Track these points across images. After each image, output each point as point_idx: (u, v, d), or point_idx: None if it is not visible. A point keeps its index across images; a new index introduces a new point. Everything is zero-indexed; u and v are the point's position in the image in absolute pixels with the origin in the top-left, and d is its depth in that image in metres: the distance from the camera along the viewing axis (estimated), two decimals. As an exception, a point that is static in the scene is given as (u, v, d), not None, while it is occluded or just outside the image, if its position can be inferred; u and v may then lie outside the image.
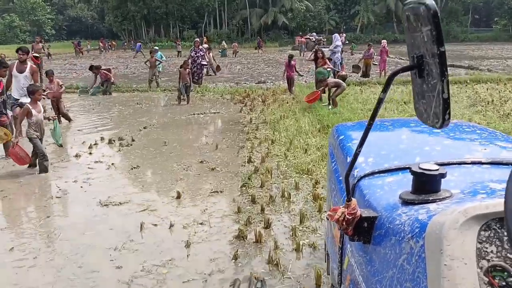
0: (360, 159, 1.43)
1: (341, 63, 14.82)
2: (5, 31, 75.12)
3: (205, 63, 15.34)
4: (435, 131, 1.73)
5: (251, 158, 6.29)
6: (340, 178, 1.70)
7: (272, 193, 4.96)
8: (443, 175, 1.09)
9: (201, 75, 14.97)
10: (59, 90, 9.04)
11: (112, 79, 13.76)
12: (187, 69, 11.68)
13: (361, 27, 58.01)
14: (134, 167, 6.09)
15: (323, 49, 14.77)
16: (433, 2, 0.89)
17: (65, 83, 16.66)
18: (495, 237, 0.81)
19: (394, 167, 1.42)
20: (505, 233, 0.80)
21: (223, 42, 37.62)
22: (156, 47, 35.99)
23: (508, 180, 0.63)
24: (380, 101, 1.05)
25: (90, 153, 6.88)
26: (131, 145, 7.37)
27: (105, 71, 13.72)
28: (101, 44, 49.75)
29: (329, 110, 9.43)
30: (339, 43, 15.03)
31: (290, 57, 13.46)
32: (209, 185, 5.32)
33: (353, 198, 1.22)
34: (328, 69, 10.77)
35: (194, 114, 10.09)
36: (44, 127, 6.14)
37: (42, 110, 6.08)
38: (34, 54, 16.58)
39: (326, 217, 1.46)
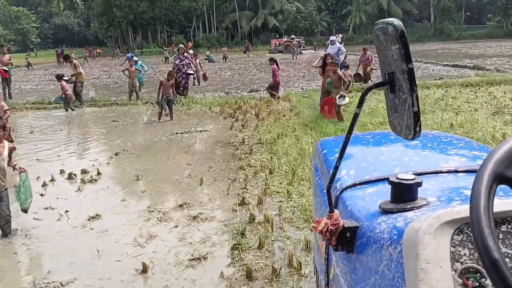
0: (342, 172, 1.54)
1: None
2: (-12, 41, 73.22)
3: (191, 72, 13.94)
4: (414, 142, 1.78)
5: (245, 198, 4.89)
6: (324, 191, 1.61)
7: (275, 261, 3.57)
8: (419, 184, 1.12)
9: (187, 85, 13.55)
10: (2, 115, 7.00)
11: (68, 92, 12.10)
12: (171, 81, 10.22)
13: (353, 27, 56.92)
14: (92, 217, 4.66)
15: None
16: (400, 23, 0.92)
17: (41, 96, 15.52)
18: (468, 240, 0.84)
19: (374, 178, 1.45)
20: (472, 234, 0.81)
21: (207, 51, 36.54)
22: (133, 55, 34.83)
23: (473, 182, 0.65)
24: (355, 116, 1.08)
25: (42, 194, 5.45)
26: (96, 180, 5.94)
27: (65, 83, 12.20)
28: (86, 52, 48.29)
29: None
30: (341, 45, 13.72)
31: (274, 60, 12.41)
32: (189, 248, 3.91)
33: (335, 210, 1.25)
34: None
35: (177, 133, 8.67)
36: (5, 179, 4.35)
37: (5, 153, 4.33)
38: (3, 68, 15.15)
39: (310, 229, 1.52)
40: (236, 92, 14.53)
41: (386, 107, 1.05)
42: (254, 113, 10.32)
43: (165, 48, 42.59)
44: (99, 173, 6.16)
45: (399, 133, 1.00)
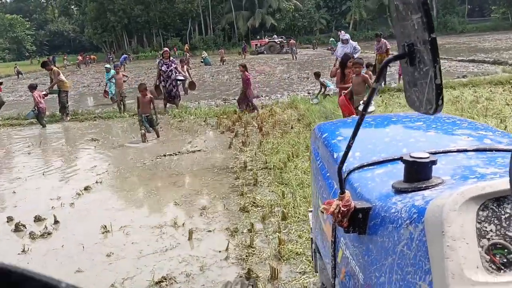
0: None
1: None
2: (-18, 50, 71.78)
3: (181, 78, 12.46)
4: (417, 124, 1.84)
5: (251, 268, 3.36)
6: (328, 174, 1.69)
7: None
8: (434, 162, 1.10)
9: (178, 93, 12.04)
10: None
11: (41, 105, 10.56)
12: (147, 96, 8.41)
13: (353, 24, 55.37)
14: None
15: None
16: None
17: (22, 110, 14.01)
18: (493, 216, 0.83)
19: (383, 159, 1.42)
20: (505, 211, 0.82)
21: (204, 52, 34.89)
22: (126, 57, 33.25)
23: (510, 161, 0.62)
24: (373, 91, 1.06)
25: (-29, 261, 3.93)
26: (50, 234, 4.42)
27: (38, 95, 10.65)
28: (80, 58, 46.89)
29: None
30: (355, 43, 12.16)
31: (245, 67, 10.68)
32: None
33: (346, 191, 1.22)
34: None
35: (165, 155, 7.15)
36: None
37: None
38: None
39: (321, 210, 1.29)
40: (234, 99, 13.00)
41: (403, 81, 1.02)
42: (256, 125, 8.80)
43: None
44: (56, 222, 4.64)
45: (418, 108, 0.97)
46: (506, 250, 0.80)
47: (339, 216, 1.18)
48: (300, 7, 53.88)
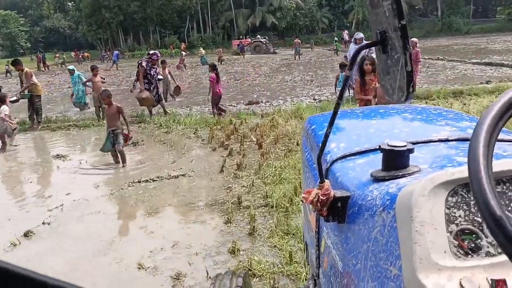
0: (332, 144, 1.55)
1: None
2: (-25, 46, 70.17)
3: (160, 77, 11.18)
4: (404, 115, 1.85)
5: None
6: (314, 165, 1.66)
7: None
8: (411, 151, 1.10)
9: (162, 95, 10.86)
10: None
11: (9, 123, 8.59)
12: (113, 105, 6.62)
13: (356, 24, 53.90)
14: None
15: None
16: None
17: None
18: (462, 202, 0.84)
19: (365, 149, 1.43)
20: (472, 197, 0.82)
21: (201, 48, 33.30)
22: (118, 54, 31.62)
23: (469, 146, 0.61)
24: (346, 79, 1.07)
25: None
26: None
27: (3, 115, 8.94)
28: (73, 55, 45.49)
29: None
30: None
31: (214, 67, 10.10)
32: None
33: (326, 180, 1.23)
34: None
35: (140, 181, 5.73)
36: None
37: None
38: None
39: (301, 200, 1.29)
40: (231, 105, 11.58)
41: (378, 69, 1.03)
42: (254, 139, 7.38)
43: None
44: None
45: (391, 96, 0.99)
46: (474, 236, 0.80)
47: (318, 205, 1.19)
48: (302, 5, 52.41)
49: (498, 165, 0.83)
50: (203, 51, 31.57)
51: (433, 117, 1.82)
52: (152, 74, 10.25)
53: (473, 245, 0.80)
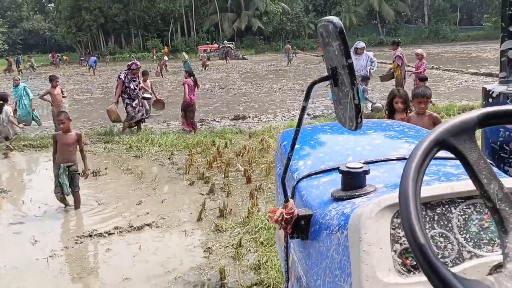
0: (300, 162, 1.61)
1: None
2: None
3: (148, 95, 9.82)
4: (368, 131, 1.92)
5: None
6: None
7: None
8: (366, 172, 1.18)
9: (143, 112, 9.38)
10: None
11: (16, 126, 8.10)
12: (71, 132, 5.06)
13: (343, 29, 53.11)
14: None
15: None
16: (339, 21, 0.98)
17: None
18: None
19: (328, 167, 1.49)
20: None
21: (184, 53, 31.76)
22: (96, 59, 29.77)
23: (403, 168, 0.67)
24: (303, 109, 1.14)
25: None
26: None
27: None
28: (51, 58, 43.60)
29: None
30: (371, 54, 9.61)
31: (191, 73, 9.25)
32: None
33: (290, 199, 1.28)
34: None
35: (91, 235, 4.34)
36: None
37: None
38: None
39: (267, 219, 1.57)
40: (215, 120, 10.24)
41: (332, 99, 1.11)
42: (241, 169, 6.07)
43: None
44: None
45: (344, 124, 1.05)
46: None
47: (283, 223, 1.23)
48: (289, 10, 51.36)
49: (439, 189, 0.94)
50: (187, 56, 30.09)
51: (395, 134, 1.92)
52: (132, 87, 8.89)
53: (415, 262, 0.83)
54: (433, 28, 51.47)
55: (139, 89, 9.15)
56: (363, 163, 1.24)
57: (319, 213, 1.20)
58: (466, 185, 0.92)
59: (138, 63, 9.31)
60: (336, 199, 1.19)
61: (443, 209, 0.92)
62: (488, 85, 2.18)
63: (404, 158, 1.39)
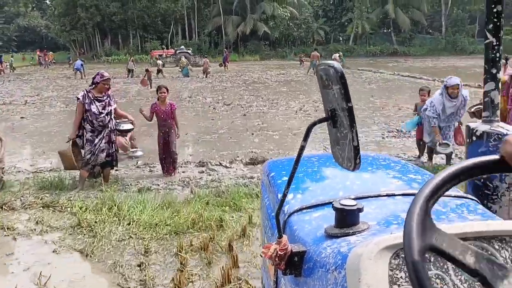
0: (289, 196, 1.56)
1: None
2: None
3: (129, 127, 6.56)
4: None
5: None
6: (273, 214, 1.69)
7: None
8: (360, 210, 1.18)
9: (115, 155, 6.06)
10: None
11: None
12: None
13: (354, 37, 50.11)
14: None
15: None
16: (340, 66, 1.00)
17: None
18: (403, 264, 0.88)
19: (320, 202, 1.48)
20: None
21: (182, 57, 28.50)
22: (82, 63, 26.20)
23: (408, 210, 0.70)
24: (301, 149, 1.14)
25: None
26: None
27: None
28: (38, 55, 40.45)
29: None
30: (466, 92, 6.20)
31: (160, 89, 6.46)
32: None
33: (284, 235, 1.27)
34: None
35: None
36: None
37: None
38: None
39: (260, 254, 1.45)
40: (221, 165, 6.99)
41: (330, 140, 1.10)
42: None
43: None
44: None
45: (341, 164, 1.06)
46: None
47: (277, 259, 1.21)
48: (297, 15, 48.23)
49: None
50: (186, 61, 26.96)
51: (382, 168, 1.93)
52: (96, 112, 5.71)
53: None
54: (450, 39, 48.48)
55: (107, 115, 5.90)
56: (354, 198, 1.25)
57: (313, 250, 1.18)
58: (462, 226, 0.94)
59: (106, 73, 6.05)
60: (330, 236, 1.18)
61: None
62: (471, 123, 2.21)
63: (393, 195, 1.45)
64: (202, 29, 50.25)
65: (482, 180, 2.07)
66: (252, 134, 9.25)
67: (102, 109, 5.79)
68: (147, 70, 19.41)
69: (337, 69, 0.98)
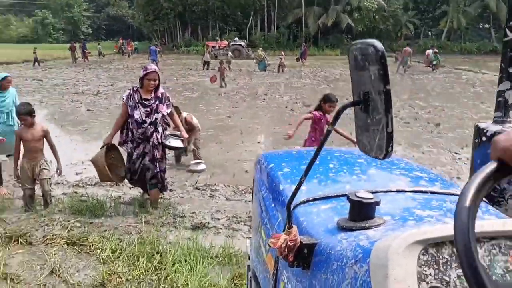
0: (292, 187, 1.46)
1: None
2: (37, 29, 69.19)
3: (178, 145, 5.00)
4: (358, 161, 1.89)
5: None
6: (272, 205, 1.69)
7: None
8: (378, 203, 1.15)
9: (161, 174, 4.72)
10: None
11: None
12: None
13: (447, 32, 45.59)
14: None
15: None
16: (381, 45, 0.94)
17: None
18: (432, 260, 0.87)
19: (329, 194, 1.45)
20: (442, 256, 0.88)
21: (260, 49, 26.93)
22: (156, 49, 25.48)
23: (456, 206, 0.69)
24: (328, 133, 1.10)
25: None
26: None
27: None
28: (121, 43, 41.40)
29: None
30: None
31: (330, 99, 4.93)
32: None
33: (294, 225, 1.23)
34: None
35: None
36: None
37: None
38: None
39: (269, 244, 1.27)
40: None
41: (356, 126, 1.05)
42: None
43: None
44: None
45: (369, 152, 1.02)
46: None
47: (286, 250, 1.19)
48: (385, 6, 44.81)
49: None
50: (263, 53, 25.47)
51: (387, 165, 1.84)
52: (137, 119, 4.51)
53: None
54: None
55: (152, 124, 4.58)
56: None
57: (325, 242, 1.13)
58: (493, 224, 0.91)
59: (151, 65, 4.70)
60: (344, 228, 1.14)
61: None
62: (481, 123, 2.14)
63: (403, 191, 1.42)
64: (281, 21, 48.72)
65: None
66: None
67: (146, 117, 4.50)
68: (221, 63, 17.73)
69: (377, 48, 0.92)
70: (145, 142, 4.52)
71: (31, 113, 4.56)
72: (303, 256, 1.18)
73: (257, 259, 1.98)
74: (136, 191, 5.27)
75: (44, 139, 4.68)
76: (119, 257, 3.63)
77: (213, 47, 34.17)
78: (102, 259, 3.60)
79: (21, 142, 4.63)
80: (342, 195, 1.30)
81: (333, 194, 1.43)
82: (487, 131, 2.04)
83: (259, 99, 13.31)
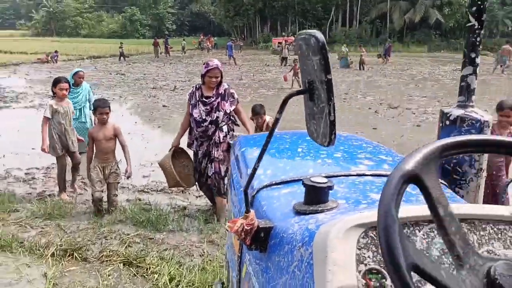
0: (260, 171, 1.46)
1: None
2: (126, 25, 73.22)
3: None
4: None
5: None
6: (241, 189, 1.62)
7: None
8: (330, 187, 1.17)
9: (222, 176, 4.25)
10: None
11: None
12: None
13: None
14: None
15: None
16: (322, 35, 0.95)
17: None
18: (372, 243, 0.89)
19: (289, 178, 1.47)
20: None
21: (343, 46, 25.58)
22: (232, 44, 24.88)
23: (384, 187, 0.69)
24: (276, 121, 1.11)
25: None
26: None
27: None
28: (201, 39, 42.09)
29: None
30: None
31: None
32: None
33: (251, 210, 1.24)
34: None
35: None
36: None
37: None
38: None
39: (226, 228, 1.36)
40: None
41: (305, 114, 1.08)
42: None
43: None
44: None
45: (316, 139, 1.05)
46: (380, 275, 0.85)
47: (243, 234, 1.19)
48: (479, 0, 40.95)
49: (407, 211, 0.91)
50: (346, 50, 24.28)
51: (354, 149, 1.90)
52: (196, 118, 4.22)
53: (378, 284, 0.84)
54: None
55: (212, 123, 4.14)
56: (324, 176, 1.23)
57: (280, 226, 1.16)
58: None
59: (213, 61, 4.16)
60: (298, 212, 1.17)
61: (408, 231, 0.92)
62: (445, 108, 2.19)
63: (364, 174, 1.43)
64: (364, 16, 46.66)
65: (451, 165, 2.04)
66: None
67: (207, 115, 4.09)
68: (294, 61, 16.63)
69: (318, 39, 0.93)
70: (208, 141, 4.16)
71: (109, 109, 4.39)
72: (260, 239, 1.18)
73: (228, 242, 2.00)
74: (203, 201, 4.81)
75: (116, 139, 4.42)
76: (178, 285, 3.14)
77: (279, 43, 33.32)
78: (158, 287, 3.12)
79: (94, 142, 4.40)
80: (299, 180, 1.30)
81: (294, 178, 1.43)
82: (450, 115, 2.06)
83: (339, 99, 12.41)
